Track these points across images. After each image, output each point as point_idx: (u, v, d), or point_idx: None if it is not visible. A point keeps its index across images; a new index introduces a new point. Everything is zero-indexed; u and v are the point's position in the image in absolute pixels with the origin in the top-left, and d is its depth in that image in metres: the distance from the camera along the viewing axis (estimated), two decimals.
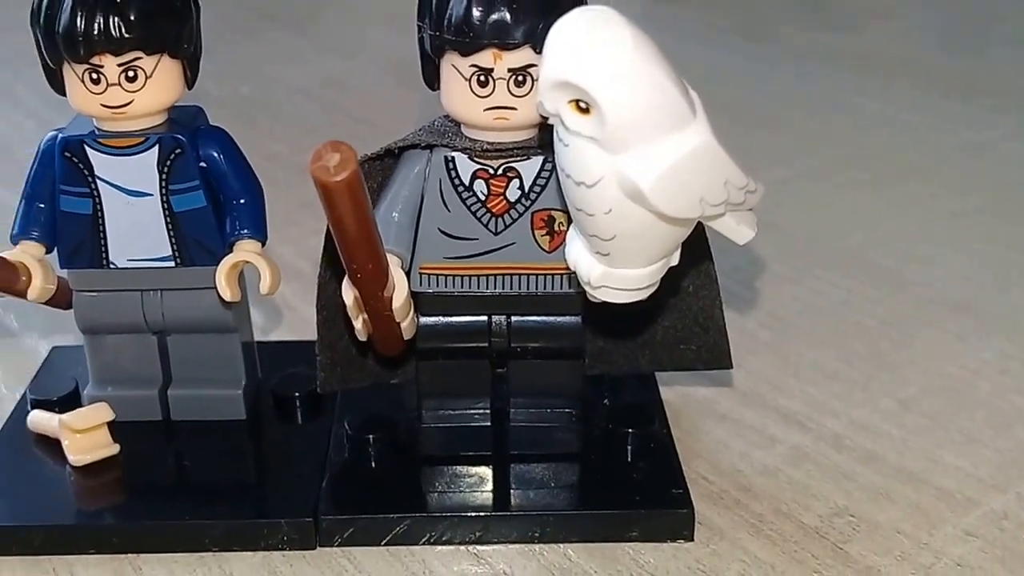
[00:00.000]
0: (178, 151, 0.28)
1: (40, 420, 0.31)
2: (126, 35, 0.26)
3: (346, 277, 0.25)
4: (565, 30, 0.21)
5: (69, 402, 0.31)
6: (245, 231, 0.29)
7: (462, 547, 0.29)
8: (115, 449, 0.30)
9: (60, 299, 0.30)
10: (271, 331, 0.39)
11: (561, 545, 0.28)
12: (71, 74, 0.27)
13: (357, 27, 0.79)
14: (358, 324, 0.27)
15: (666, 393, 0.33)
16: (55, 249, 0.29)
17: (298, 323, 0.39)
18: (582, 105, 0.21)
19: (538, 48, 0.23)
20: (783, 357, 0.37)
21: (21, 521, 0.28)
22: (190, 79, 0.28)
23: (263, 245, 0.29)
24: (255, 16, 0.79)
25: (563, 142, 0.22)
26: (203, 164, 0.28)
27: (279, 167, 0.48)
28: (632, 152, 0.21)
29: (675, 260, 0.25)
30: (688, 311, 0.30)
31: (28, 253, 0.29)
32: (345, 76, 0.68)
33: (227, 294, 0.28)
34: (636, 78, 0.21)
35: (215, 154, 0.28)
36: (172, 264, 0.29)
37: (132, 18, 0.26)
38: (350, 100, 0.64)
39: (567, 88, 0.21)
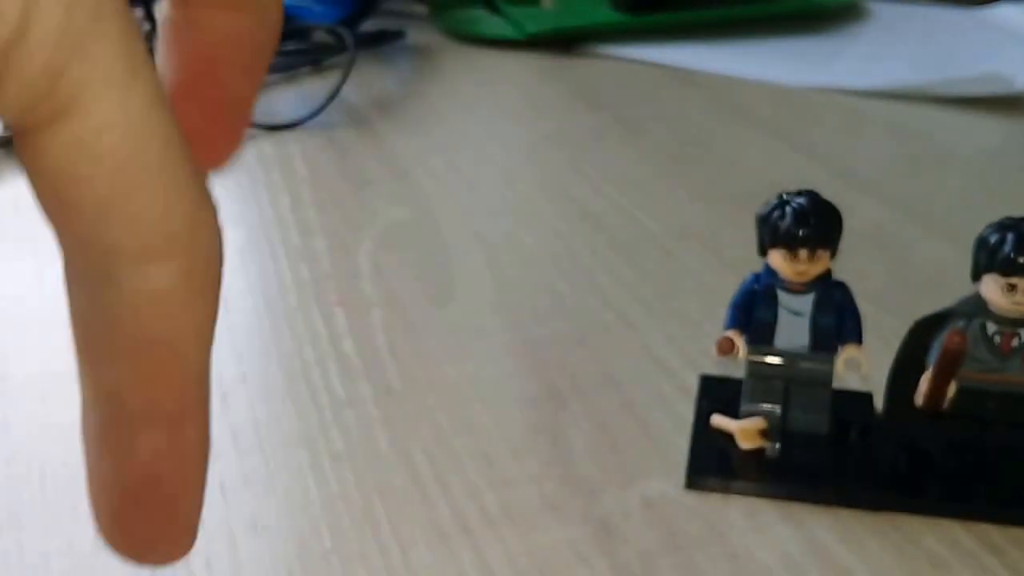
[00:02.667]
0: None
1: (721, 421, 0.47)
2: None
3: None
4: None
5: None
6: (851, 339, 0.44)
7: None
8: (763, 442, 0.46)
9: None
10: None
11: None
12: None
13: None
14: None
15: None
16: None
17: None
18: None
19: None
20: None
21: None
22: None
23: (860, 345, 0.44)
24: None
25: None
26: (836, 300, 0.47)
27: None
28: None
29: None
30: None
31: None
32: None
33: (841, 372, 0.47)
34: None
35: (839, 295, 0.44)
36: (807, 349, 0.45)
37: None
38: None
39: None
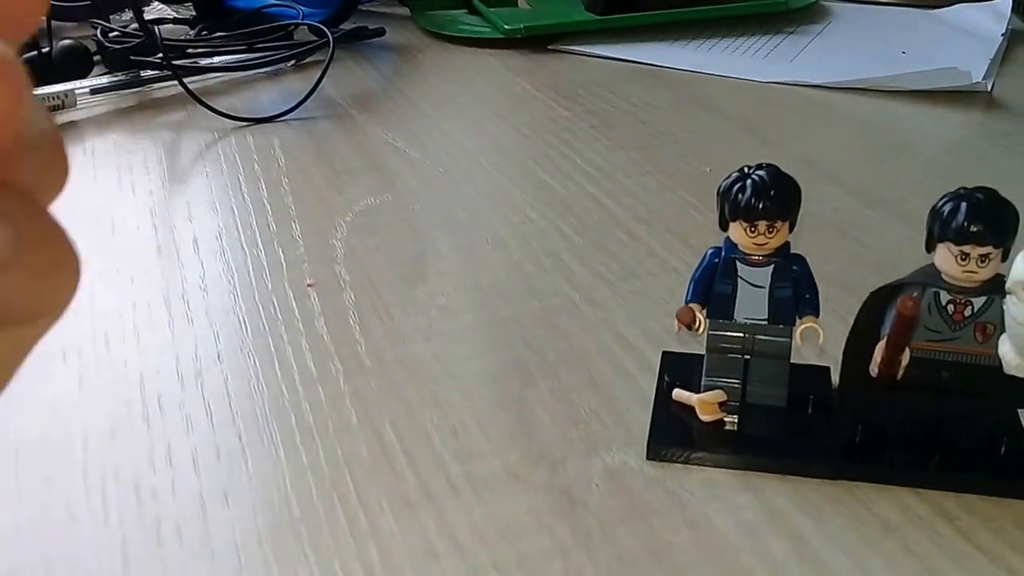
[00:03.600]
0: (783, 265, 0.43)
1: (682, 394, 0.46)
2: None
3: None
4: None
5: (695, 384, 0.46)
6: (808, 311, 0.43)
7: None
8: (723, 415, 0.45)
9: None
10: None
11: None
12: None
13: None
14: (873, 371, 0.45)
15: None
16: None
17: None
18: None
19: (998, 246, 0.38)
20: None
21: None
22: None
23: (817, 318, 0.43)
24: None
25: (1017, 303, 0.37)
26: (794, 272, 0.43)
27: None
28: None
29: None
30: None
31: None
32: None
33: (798, 343, 0.46)
34: None
35: (796, 268, 0.43)
36: (766, 321, 0.44)
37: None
38: None
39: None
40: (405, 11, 1.11)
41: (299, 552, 0.37)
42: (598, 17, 1.03)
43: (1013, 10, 0.99)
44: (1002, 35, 0.95)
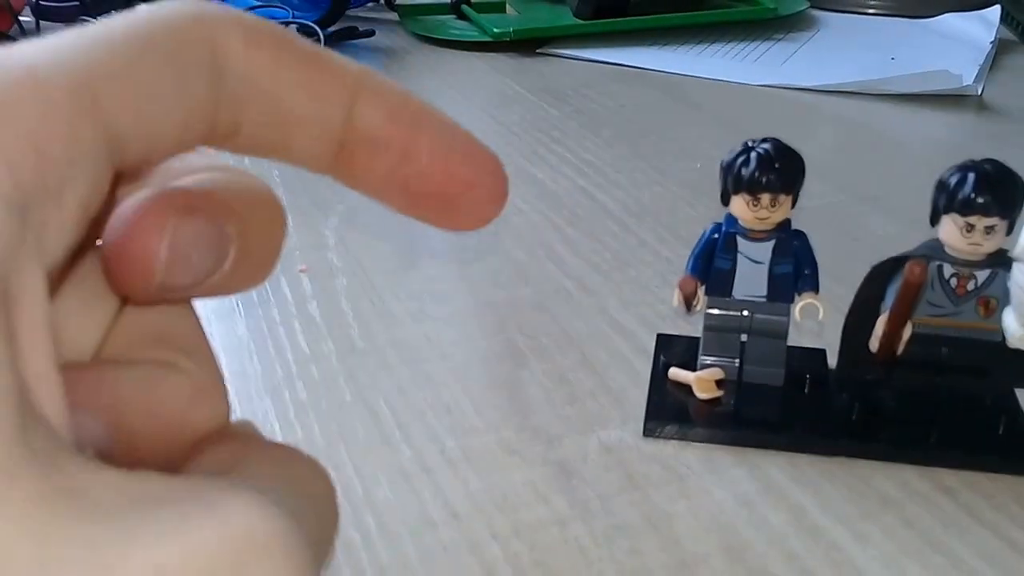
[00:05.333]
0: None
1: (679, 373, 0.46)
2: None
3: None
4: None
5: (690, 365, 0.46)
6: (808, 287, 0.43)
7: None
8: (720, 392, 0.45)
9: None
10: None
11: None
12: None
13: None
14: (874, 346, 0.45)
15: None
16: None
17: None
18: None
19: (1004, 217, 0.38)
20: None
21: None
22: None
23: (816, 294, 0.43)
24: None
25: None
26: (795, 248, 0.43)
27: None
28: None
29: None
30: None
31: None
32: None
33: (798, 319, 0.46)
34: None
35: (797, 244, 0.42)
36: (764, 298, 0.44)
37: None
38: None
39: None
40: (394, 16, 1.11)
41: None
42: (586, 22, 1.01)
43: (1001, 20, 0.99)
44: (991, 43, 0.95)
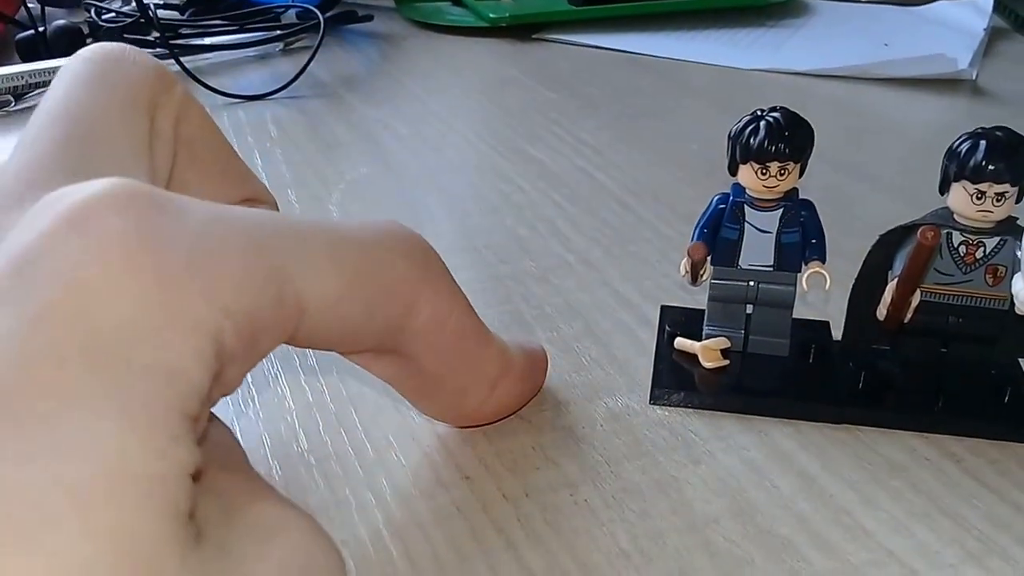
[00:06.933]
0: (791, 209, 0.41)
1: (684, 342, 0.45)
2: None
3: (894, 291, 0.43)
4: None
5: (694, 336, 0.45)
6: (815, 256, 0.42)
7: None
8: (726, 362, 0.44)
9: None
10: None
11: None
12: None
13: None
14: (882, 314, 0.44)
15: None
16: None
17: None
18: None
19: (1015, 184, 0.37)
20: None
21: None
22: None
23: (824, 263, 0.41)
24: None
25: None
26: (802, 217, 0.42)
27: None
28: None
29: None
30: None
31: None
32: None
33: (804, 289, 0.43)
34: None
35: (805, 213, 0.41)
36: (771, 268, 0.42)
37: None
38: None
39: None
40: (390, 3, 1.11)
41: (310, 480, 0.36)
42: (581, 8, 1.01)
43: (994, 10, 0.99)
44: (984, 30, 0.95)
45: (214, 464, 0.21)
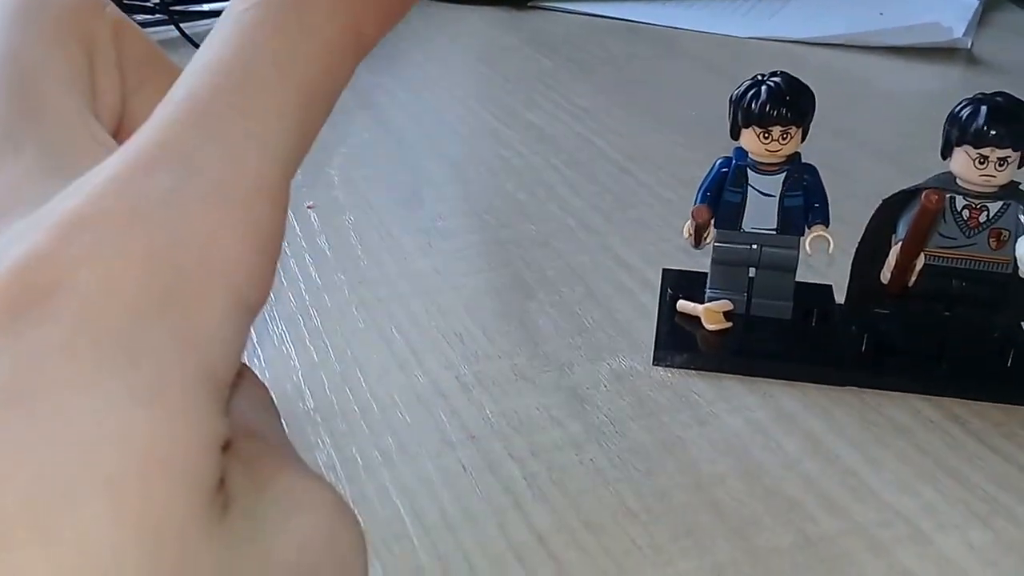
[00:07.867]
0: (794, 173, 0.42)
1: (687, 305, 0.46)
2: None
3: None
4: None
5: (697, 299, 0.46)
6: (818, 220, 0.42)
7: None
8: (728, 324, 0.44)
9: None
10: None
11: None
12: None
13: None
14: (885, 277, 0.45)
15: None
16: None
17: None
18: None
19: (1017, 149, 0.37)
20: None
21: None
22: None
23: (827, 227, 0.42)
24: None
25: None
26: (805, 181, 0.42)
27: None
28: None
29: None
30: None
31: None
32: None
33: (808, 252, 0.44)
34: None
35: (808, 177, 0.42)
36: (774, 231, 0.43)
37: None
38: None
39: None
40: None
41: (316, 438, 0.36)
42: None
43: None
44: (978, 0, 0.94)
45: (242, 430, 0.20)
